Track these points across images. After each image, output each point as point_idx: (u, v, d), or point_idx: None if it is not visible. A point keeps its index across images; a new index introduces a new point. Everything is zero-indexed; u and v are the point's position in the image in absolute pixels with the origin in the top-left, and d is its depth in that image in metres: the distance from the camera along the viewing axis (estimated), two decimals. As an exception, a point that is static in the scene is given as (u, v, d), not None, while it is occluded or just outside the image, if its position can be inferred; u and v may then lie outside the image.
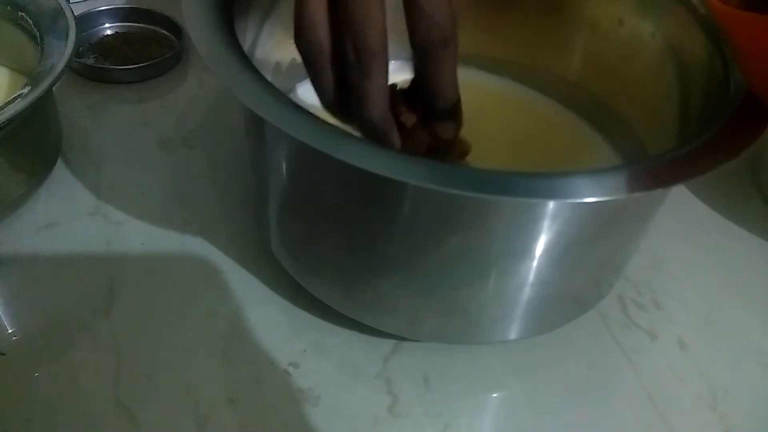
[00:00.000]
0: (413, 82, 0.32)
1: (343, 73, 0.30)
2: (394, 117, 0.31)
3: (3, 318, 0.37)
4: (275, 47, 0.40)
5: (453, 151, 0.34)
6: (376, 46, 0.28)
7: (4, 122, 0.34)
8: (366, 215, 0.31)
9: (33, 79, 0.37)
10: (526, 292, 0.33)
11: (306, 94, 0.44)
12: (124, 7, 0.56)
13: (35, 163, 0.41)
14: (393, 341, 0.37)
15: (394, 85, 0.32)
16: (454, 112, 0.32)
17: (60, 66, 0.38)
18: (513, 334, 0.35)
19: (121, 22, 0.56)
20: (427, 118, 0.32)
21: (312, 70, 0.30)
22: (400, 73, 0.46)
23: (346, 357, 0.37)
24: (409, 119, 0.32)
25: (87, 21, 0.55)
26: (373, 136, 0.31)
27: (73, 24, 0.40)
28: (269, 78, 0.30)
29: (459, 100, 0.32)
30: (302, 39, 0.29)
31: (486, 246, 0.30)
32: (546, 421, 0.35)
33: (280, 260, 0.38)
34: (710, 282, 0.43)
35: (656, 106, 0.40)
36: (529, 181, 0.26)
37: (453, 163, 0.34)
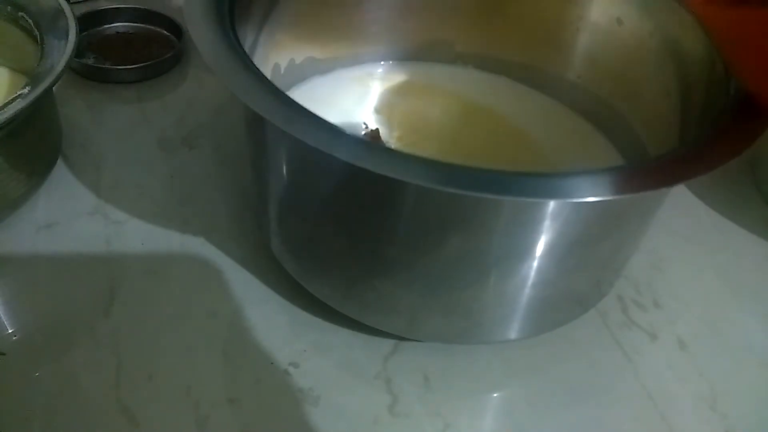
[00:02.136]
0: None
1: None
2: None
3: (3, 318, 0.37)
4: (275, 48, 0.40)
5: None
6: None
7: (4, 122, 0.34)
8: (367, 215, 0.31)
9: (33, 79, 0.37)
10: (527, 292, 0.32)
11: (306, 93, 0.44)
12: (124, 7, 0.56)
13: (35, 163, 0.41)
14: (393, 341, 0.37)
15: None
16: None
17: (60, 66, 0.38)
18: (514, 334, 0.35)
19: (121, 22, 0.56)
20: None
21: None
22: (398, 74, 0.47)
23: (346, 357, 0.37)
24: None
25: (87, 21, 0.55)
26: None
27: (74, 24, 0.40)
28: (269, 78, 0.30)
29: None
30: None
31: (487, 246, 0.30)
32: (546, 421, 0.35)
33: (281, 260, 0.38)
34: (710, 282, 0.43)
35: (656, 105, 0.40)
36: (530, 181, 0.26)
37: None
